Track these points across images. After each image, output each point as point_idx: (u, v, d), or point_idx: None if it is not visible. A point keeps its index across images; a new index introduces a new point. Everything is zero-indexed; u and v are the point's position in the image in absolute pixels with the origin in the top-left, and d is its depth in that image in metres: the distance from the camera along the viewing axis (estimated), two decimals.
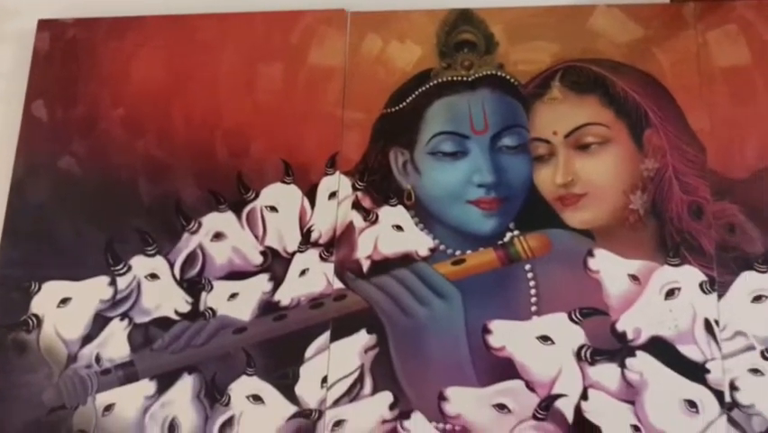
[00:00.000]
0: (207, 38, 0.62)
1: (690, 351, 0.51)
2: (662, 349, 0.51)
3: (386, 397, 0.53)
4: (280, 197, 0.58)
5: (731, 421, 0.49)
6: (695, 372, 0.50)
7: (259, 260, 0.57)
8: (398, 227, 0.56)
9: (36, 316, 0.57)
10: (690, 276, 0.52)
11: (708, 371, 0.50)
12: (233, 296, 0.56)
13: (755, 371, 0.50)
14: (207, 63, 0.61)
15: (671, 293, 0.52)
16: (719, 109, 0.55)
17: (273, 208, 0.58)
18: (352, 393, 0.53)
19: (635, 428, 0.50)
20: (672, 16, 0.57)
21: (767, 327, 0.51)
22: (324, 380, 0.53)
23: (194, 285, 0.57)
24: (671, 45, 0.57)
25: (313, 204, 0.57)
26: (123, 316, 0.56)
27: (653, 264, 0.53)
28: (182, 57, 0.62)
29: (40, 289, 0.58)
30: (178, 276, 0.57)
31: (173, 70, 0.62)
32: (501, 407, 0.52)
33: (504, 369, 0.52)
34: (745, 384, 0.50)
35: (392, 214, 0.57)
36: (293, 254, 0.56)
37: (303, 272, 0.56)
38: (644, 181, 0.54)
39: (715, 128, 0.55)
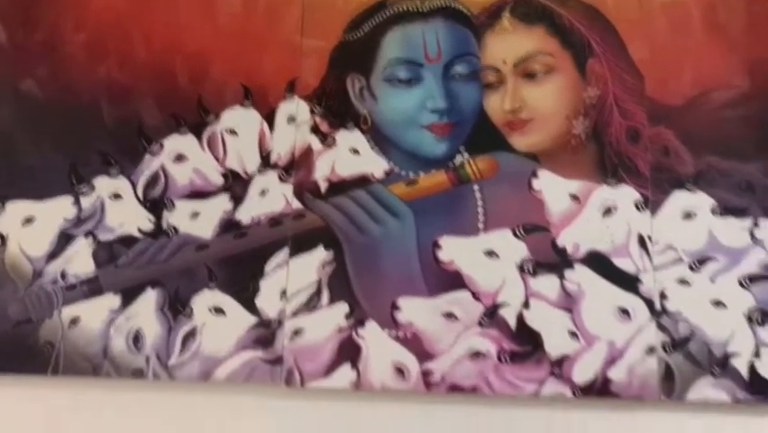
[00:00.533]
0: None
1: (624, 264, 0.55)
2: (598, 262, 0.55)
3: (342, 307, 0.56)
4: (240, 120, 0.60)
5: (659, 326, 0.54)
6: (628, 282, 0.55)
7: (219, 181, 0.59)
8: (355, 151, 0.59)
9: (0, 235, 0.59)
10: (626, 195, 0.56)
11: (640, 281, 0.55)
12: (195, 215, 0.58)
13: (683, 281, 0.54)
14: None
15: (608, 211, 0.56)
16: (658, 40, 0.58)
17: (233, 131, 0.60)
18: (311, 305, 0.56)
19: (573, 333, 0.54)
20: None
21: (695, 241, 0.55)
22: (284, 293, 0.56)
23: (156, 204, 0.59)
24: None
25: (272, 127, 0.60)
26: (88, 234, 0.58)
27: (592, 184, 0.56)
28: None
29: (3, 208, 0.59)
30: (141, 196, 0.59)
31: None
32: (449, 315, 0.55)
33: (452, 281, 0.56)
34: (673, 294, 0.54)
35: (349, 138, 0.59)
36: (253, 176, 0.59)
37: (263, 193, 0.58)
38: (587, 108, 0.58)
39: (653, 58, 0.58)
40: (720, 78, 0.57)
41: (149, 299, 0.57)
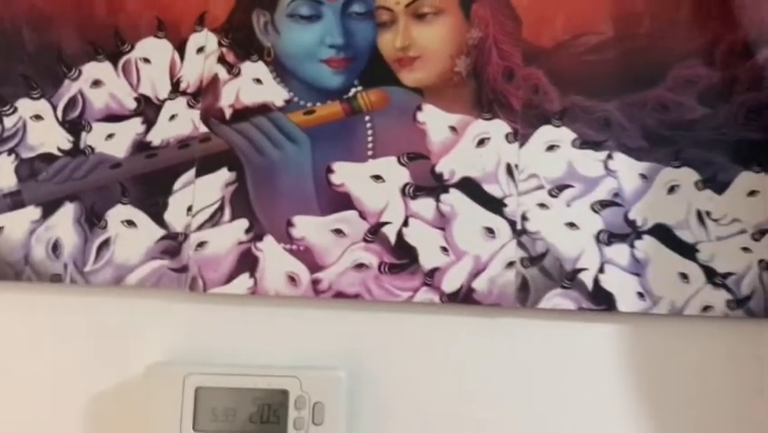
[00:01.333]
0: None
1: (492, 189, 0.62)
2: (470, 187, 0.62)
3: (242, 223, 0.62)
4: (153, 50, 0.65)
5: (519, 244, 0.61)
6: (495, 205, 0.62)
7: (133, 105, 0.64)
8: (258, 81, 0.64)
9: None
10: (498, 128, 0.63)
11: (505, 205, 0.62)
12: (110, 136, 0.63)
13: (542, 205, 0.62)
14: None
15: (481, 142, 0.63)
16: None
17: (146, 60, 0.64)
18: (214, 220, 0.62)
19: (444, 249, 0.61)
20: None
21: (556, 170, 0.62)
22: (190, 209, 0.62)
23: (75, 126, 0.64)
24: None
25: (182, 57, 0.64)
26: (10, 151, 0.63)
27: (469, 118, 0.63)
28: None
29: None
30: (60, 118, 0.64)
31: None
32: (338, 231, 0.62)
33: (342, 202, 0.62)
34: (533, 216, 0.62)
35: (253, 68, 0.64)
36: (164, 101, 0.64)
37: (172, 117, 0.64)
38: (469, 48, 0.64)
39: (531, 4, 0.64)
40: (588, 25, 0.64)
41: (67, 212, 0.62)
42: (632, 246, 0.61)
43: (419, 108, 0.63)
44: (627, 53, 0.63)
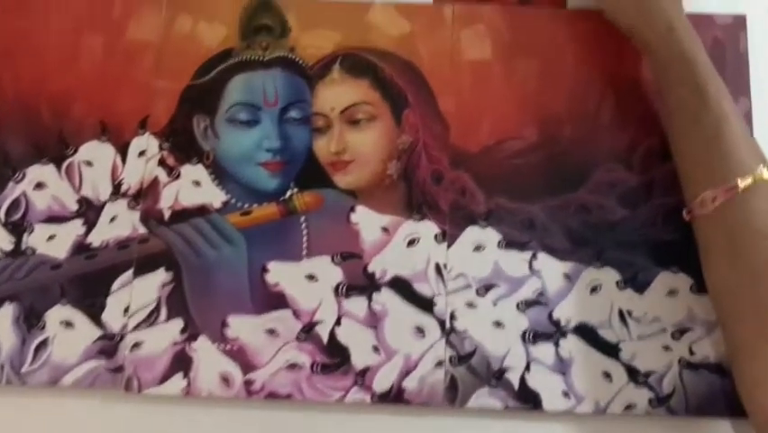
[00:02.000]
0: (37, 7, 0.70)
1: (422, 288, 0.64)
2: (401, 286, 0.64)
3: (178, 323, 0.63)
4: (96, 153, 0.67)
5: (448, 343, 0.63)
6: (425, 304, 0.63)
7: (75, 207, 0.66)
8: (197, 183, 0.66)
9: None
10: (428, 229, 0.65)
11: (434, 304, 0.63)
12: (51, 237, 0.65)
13: (470, 304, 0.63)
14: (35, 32, 0.69)
15: (412, 242, 0.65)
16: (463, 95, 0.67)
17: (89, 163, 0.67)
18: (150, 320, 0.63)
19: (375, 348, 0.63)
20: (436, 15, 0.69)
21: (483, 270, 0.64)
22: (127, 309, 0.64)
23: (17, 227, 0.65)
24: (431, 40, 0.69)
25: (124, 160, 0.67)
26: None
27: (400, 219, 0.65)
28: (13, 24, 0.69)
29: None
30: (2, 219, 0.66)
31: (4, 36, 0.69)
32: (271, 331, 0.63)
33: (276, 301, 0.64)
34: (461, 315, 0.63)
35: (192, 171, 0.67)
36: (105, 203, 0.66)
37: (113, 219, 0.66)
38: (400, 152, 0.67)
39: (458, 110, 0.67)
40: (513, 131, 0.67)
41: (6, 313, 0.64)
42: (556, 345, 0.62)
43: (352, 210, 0.65)
44: (551, 157, 0.66)
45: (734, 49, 0.68)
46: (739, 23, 0.68)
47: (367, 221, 0.65)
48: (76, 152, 0.67)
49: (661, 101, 0.63)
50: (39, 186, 0.66)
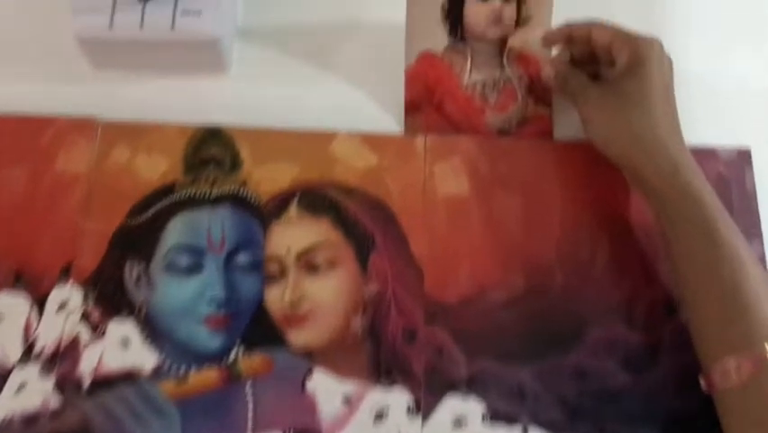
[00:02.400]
0: None
1: None
2: None
3: None
4: (7, 306, 0.57)
5: None
6: None
7: None
8: (125, 342, 0.56)
9: None
10: (399, 398, 0.55)
11: None
12: None
13: None
14: None
15: (380, 416, 0.54)
16: (438, 236, 0.59)
17: None
18: None
19: None
20: (405, 148, 0.61)
21: None
22: None
23: None
24: (401, 174, 0.61)
25: (40, 315, 0.57)
26: None
27: (366, 386, 0.55)
28: None
29: None
30: None
31: None
32: None
33: None
34: None
35: (120, 328, 0.57)
36: (12, 369, 0.55)
37: (20, 388, 0.55)
38: (366, 304, 0.57)
39: (433, 254, 0.58)
40: (496, 278, 0.58)
41: None
42: None
43: (309, 375, 0.55)
44: (540, 311, 0.57)
45: (739, 186, 0.60)
46: (744, 157, 0.61)
47: (326, 389, 0.55)
48: None
49: (666, 247, 0.54)
50: None
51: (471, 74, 0.62)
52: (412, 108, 0.62)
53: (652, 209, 0.55)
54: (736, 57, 0.66)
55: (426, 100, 0.62)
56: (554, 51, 0.63)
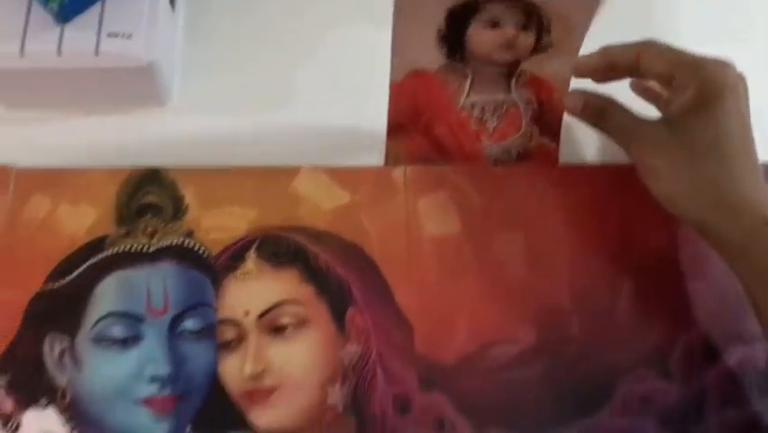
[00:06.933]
0: None
1: None
2: None
3: None
4: None
5: None
6: None
7: None
8: None
9: None
10: None
11: None
12: None
13: None
14: None
15: None
16: (427, 284, 0.49)
17: None
18: None
19: None
20: (382, 181, 0.52)
21: None
22: None
23: None
24: (379, 212, 0.51)
25: None
26: None
27: None
28: None
29: None
30: None
31: None
32: None
33: None
34: None
35: (40, 418, 0.45)
36: None
37: None
38: (345, 370, 0.47)
39: (423, 305, 0.48)
40: (501, 330, 0.48)
41: None
42: None
43: None
44: (556, 367, 0.47)
45: None
46: None
47: None
48: None
49: (759, 314, 0.44)
50: None
51: (470, 95, 0.51)
52: (395, 132, 0.52)
53: (735, 271, 0.45)
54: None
55: (412, 122, 0.52)
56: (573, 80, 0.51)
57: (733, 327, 0.48)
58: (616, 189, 0.50)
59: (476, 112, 0.52)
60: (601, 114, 0.48)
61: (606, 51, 0.48)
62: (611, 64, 0.48)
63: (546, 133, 0.53)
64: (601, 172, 0.50)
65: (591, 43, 0.48)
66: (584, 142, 0.51)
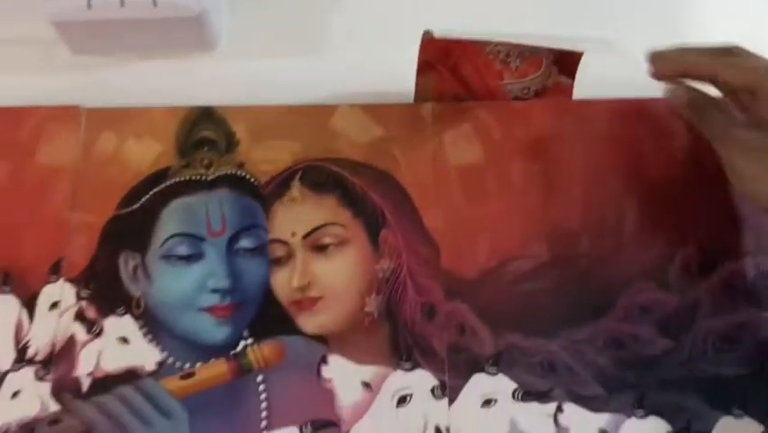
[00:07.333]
0: None
1: None
2: None
3: None
4: None
5: None
6: None
7: None
8: (124, 340, 0.52)
9: None
10: (421, 381, 0.51)
11: None
12: None
13: None
14: None
15: (402, 400, 0.51)
16: (453, 207, 0.55)
17: None
18: None
19: None
20: (412, 116, 0.58)
21: (496, 430, 0.50)
22: None
23: None
24: (409, 144, 0.57)
25: (32, 315, 0.53)
26: None
27: (386, 369, 0.51)
28: None
29: None
30: None
31: None
32: None
33: None
34: None
35: (118, 324, 0.53)
36: (5, 375, 0.51)
37: (15, 394, 0.51)
38: (380, 282, 0.53)
39: (448, 227, 0.54)
40: (518, 248, 0.54)
41: None
42: None
43: (324, 361, 0.51)
44: (567, 279, 0.53)
45: None
46: None
47: (343, 375, 0.51)
48: None
49: None
50: None
51: (499, 43, 0.57)
52: (424, 71, 0.57)
53: None
54: None
55: (441, 61, 0.57)
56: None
57: (725, 243, 0.54)
58: (623, 122, 0.55)
59: (501, 56, 0.57)
60: (701, 112, 0.51)
61: (683, 58, 0.50)
62: (686, 73, 0.50)
63: (564, 73, 0.58)
64: (610, 106, 0.55)
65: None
66: (597, 80, 0.55)
